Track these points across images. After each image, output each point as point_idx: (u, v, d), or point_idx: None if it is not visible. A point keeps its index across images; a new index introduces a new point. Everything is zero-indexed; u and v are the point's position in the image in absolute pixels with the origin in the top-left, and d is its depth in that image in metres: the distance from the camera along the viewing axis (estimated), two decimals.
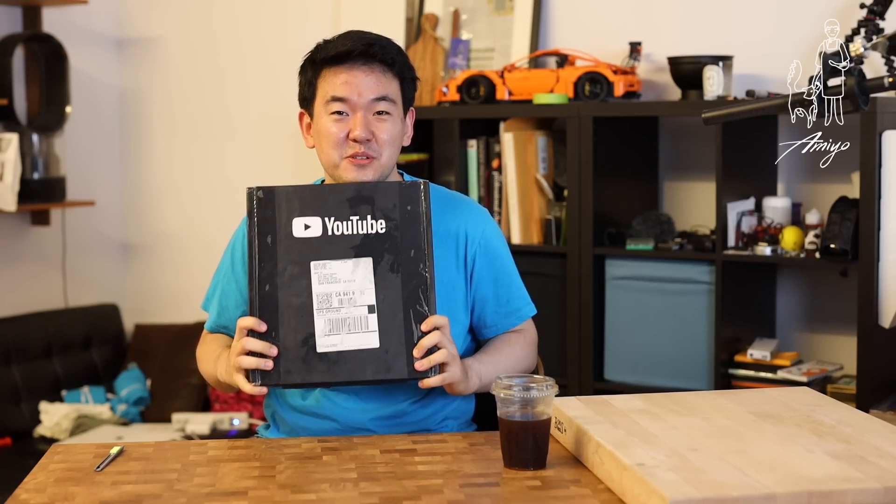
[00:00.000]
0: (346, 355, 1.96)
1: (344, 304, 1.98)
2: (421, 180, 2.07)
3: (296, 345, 1.96)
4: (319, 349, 1.96)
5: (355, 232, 2.01)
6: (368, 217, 2.02)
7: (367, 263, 2.00)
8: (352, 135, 2.10)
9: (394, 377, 1.97)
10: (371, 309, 1.98)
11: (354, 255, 2.00)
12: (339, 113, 2.11)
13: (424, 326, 1.98)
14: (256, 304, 1.99)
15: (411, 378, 1.97)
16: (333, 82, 2.11)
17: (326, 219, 2.02)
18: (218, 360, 2.13)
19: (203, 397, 4.24)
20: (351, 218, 2.02)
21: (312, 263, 2.00)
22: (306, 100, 2.18)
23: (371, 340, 1.96)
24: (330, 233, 2.01)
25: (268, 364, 1.95)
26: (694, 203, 3.59)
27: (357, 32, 2.14)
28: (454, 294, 2.18)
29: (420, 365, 1.96)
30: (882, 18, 3.08)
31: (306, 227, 2.02)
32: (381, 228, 2.02)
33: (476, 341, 2.27)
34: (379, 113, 2.11)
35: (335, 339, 1.96)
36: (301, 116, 2.22)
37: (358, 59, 2.10)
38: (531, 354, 2.27)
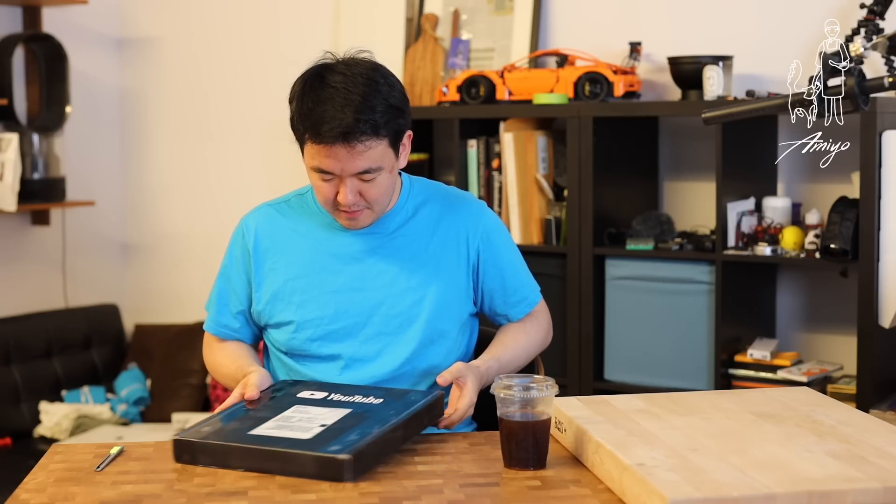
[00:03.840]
0: (278, 439, 1.81)
1: (302, 422, 1.87)
2: (438, 392, 2.01)
3: (233, 426, 1.89)
4: (251, 432, 1.85)
5: (353, 400, 1.97)
6: (371, 397, 1.98)
7: (344, 410, 1.93)
8: (339, 198, 2.06)
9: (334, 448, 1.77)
10: (323, 426, 1.85)
11: (337, 408, 1.94)
12: (323, 174, 2.05)
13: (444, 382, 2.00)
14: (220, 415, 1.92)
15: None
16: (315, 152, 2.03)
17: (332, 393, 2.01)
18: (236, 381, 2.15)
19: (203, 397, 4.24)
20: (355, 395, 1.99)
21: (295, 406, 1.94)
22: (293, 133, 2.09)
23: (305, 435, 1.82)
24: (329, 398, 1.99)
25: None
26: (694, 203, 3.59)
27: (339, 102, 1.99)
28: (454, 289, 2.19)
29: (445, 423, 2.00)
30: (882, 18, 3.08)
31: (312, 394, 2.02)
32: (378, 400, 1.97)
33: (481, 322, 2.32)
34: (366, 174, 2.05)
35: (274, 431, 1.85)
36: None
37: (338, 140, 1.99)
38: (545, 336, 2.32)
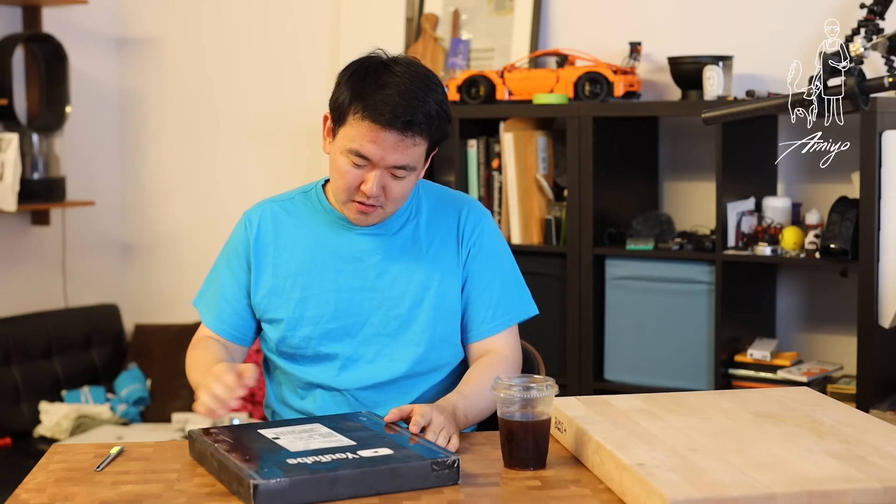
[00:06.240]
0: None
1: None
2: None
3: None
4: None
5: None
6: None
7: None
8: (363, 187, 2.05)
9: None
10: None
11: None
12: (358, 158, 2.04)
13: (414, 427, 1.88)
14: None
15: None
16: (362, 134, 2.01)
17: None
18: (204, 376, 2.01)
19: None
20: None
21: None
22: (335, 113, 2.08)
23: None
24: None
25: (219, 412, 1.87)
26: (694, 203, 3.59)
27: (403, 90, 2.00)
28: (455, 292, 2.17)
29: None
30: (882, 18, 3.08)
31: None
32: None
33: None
34: (399, 170, 2.05)
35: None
36: (325, 119, 2.12)
37: (395, 125, 1.99)
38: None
